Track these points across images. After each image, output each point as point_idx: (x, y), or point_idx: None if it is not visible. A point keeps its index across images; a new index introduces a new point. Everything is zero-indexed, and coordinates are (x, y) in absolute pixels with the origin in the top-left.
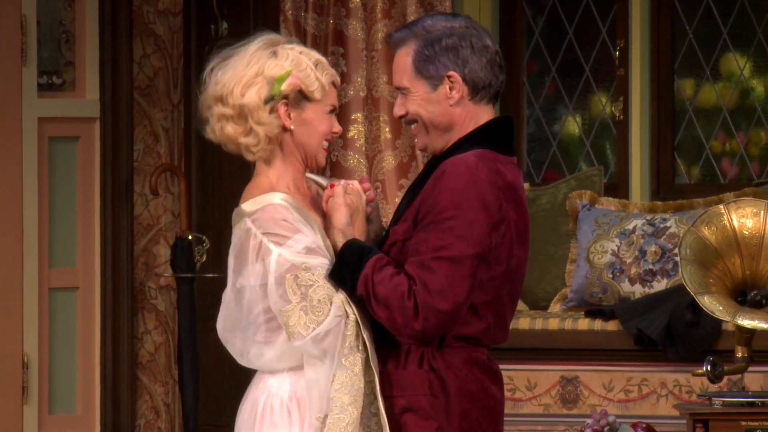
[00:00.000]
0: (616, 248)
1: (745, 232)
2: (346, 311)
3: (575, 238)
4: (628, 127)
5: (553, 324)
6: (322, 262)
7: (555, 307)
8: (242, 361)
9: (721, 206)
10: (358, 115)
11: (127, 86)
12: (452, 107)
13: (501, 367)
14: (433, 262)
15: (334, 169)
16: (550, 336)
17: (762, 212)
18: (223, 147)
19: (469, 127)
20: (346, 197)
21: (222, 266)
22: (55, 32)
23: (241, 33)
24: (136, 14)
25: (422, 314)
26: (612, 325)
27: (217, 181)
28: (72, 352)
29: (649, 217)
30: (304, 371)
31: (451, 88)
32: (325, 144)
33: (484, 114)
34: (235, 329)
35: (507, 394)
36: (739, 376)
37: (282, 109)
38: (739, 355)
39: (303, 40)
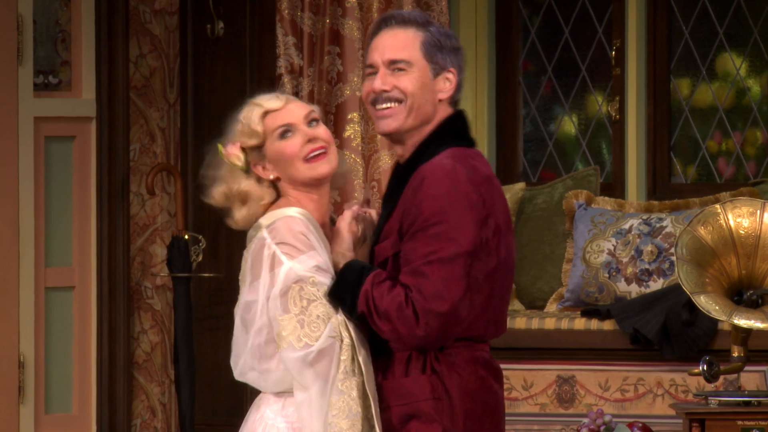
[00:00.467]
0: (612, 248)
1: (741, 231)
2: (340, 333)
3: (571, 237)
4: (624, 126)
5: (550, 323)
6: (328, 283)
7: (551, 306)
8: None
9: (718, 206)
10: (354, 115)
11: (123, 86)
12: (440, 102)
13: None
14: (426, 267)
15: None
16: (547, 335)
17: (758, 212)
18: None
19: (435, 125)
20: (353, 224)
21: (218, 266)
22: (52, 32)
23: (237, 32)
24: (133, 14)
25: (422, 320)
26: (608, 325)
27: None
28: (68, 352)
29: (645, 217)
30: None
31: (447, 83)
32: (306, 160)
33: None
34: (241, 354)
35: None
36: (735, 375)
37: (258, 169)
38: (735, 354)
39: (299, 39)
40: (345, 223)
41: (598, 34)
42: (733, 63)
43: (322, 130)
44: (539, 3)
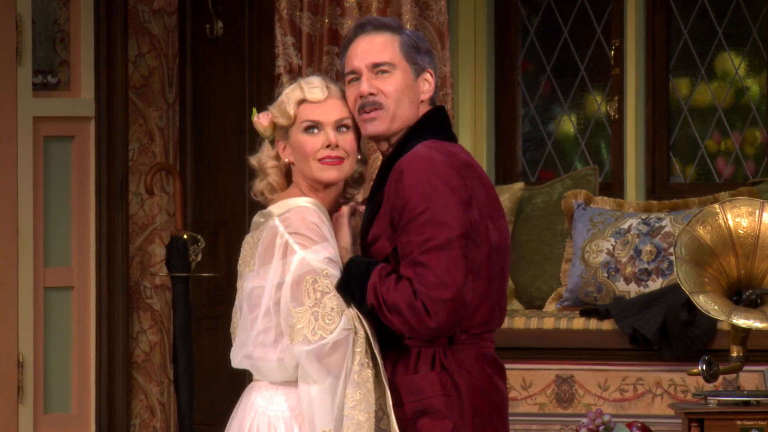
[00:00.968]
0: (611, 247)
1: (740, 231)
2: (355, 326)
3: (570, 237)
4: (623, 126)
5: (549, 323)
6: (338, 275)
7: (550, 306)
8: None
9: (716, 205)
10: None
11: (122, 85)
12: (422, 103)
13: None
14: (423, 256)
15: None
16: (546, 335)
17: (757, 211)
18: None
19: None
20: (352, 219)
21: (217, 265)
22: (50, 31)
23: (236, 32)
24: (131, 13)
25: (432, 310)
26: (607, 325)
27: (212, 180)
28: (67, 352)
29: (644, 217)
30: (297, 388)
31: (426, 84)
32: (320, 160)
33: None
34: (245, 341)
35: None
36: (734, 375)
37: (280, 145)
38: (734, 354)
39: (298, 39)
40: (344, 218)
41: (597, 34)
42: (732, 63)
43: (347, 139)
44: (538, 3)
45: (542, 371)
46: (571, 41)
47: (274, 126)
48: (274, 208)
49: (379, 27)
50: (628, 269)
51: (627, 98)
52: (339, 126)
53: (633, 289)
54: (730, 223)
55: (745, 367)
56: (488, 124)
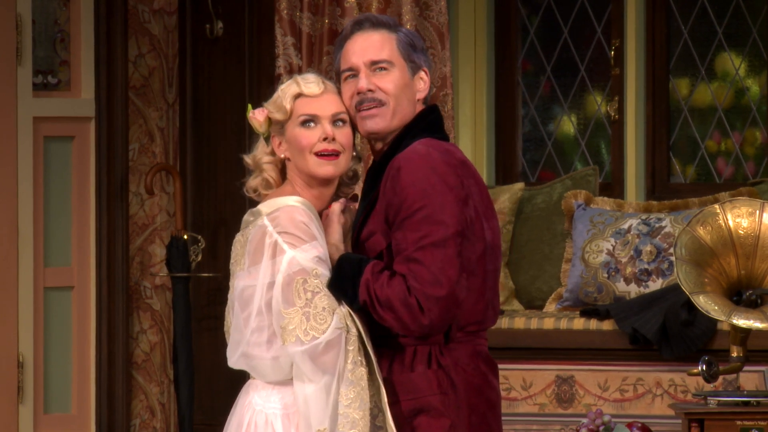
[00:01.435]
0: (611, 248)
1: (740, 231)
2: (347, 325)
3: (570, 237)
4: (623, 126)
5: (549, 323)
6: (328, 274)
7: (550, 306)
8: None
9: (717, 206)
10: None
11: (122, 86)
12: (417, 102)
13: None
14: (418, 253)
15: None
16: (546, 335)
17: (757, 212)
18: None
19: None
20: (341, 216)
21: (217, 265)
22: (50, 32)
23: (236, 32)
24: (131, 13)
25: (425, 306)
26: (607, 325)
27: (213, 180)
28: (67, 352)
29: (644, 217)
30: (292, 386)
31: (422, 82)
32: (317, 154)
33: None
34: (239, 341)
35: (503, 393)
36: (734, 375)
37: (275, 141)
38: (735, 354)
39: (298, 39)
40: (335, 215)
41: (597, 34)
42: (732, 63)
43: (343, 133)
44: (538, 3)
45: (542, 371)
46: (571, 41)
47: (270, 122)
48: (263, 207)
49: (377, 24)
50: (628, 269)
51: (627, 98)
52: (335, 120)
53: (633, 290)
54: (731, 223)
55: (745, 368)
56: (488, 125)
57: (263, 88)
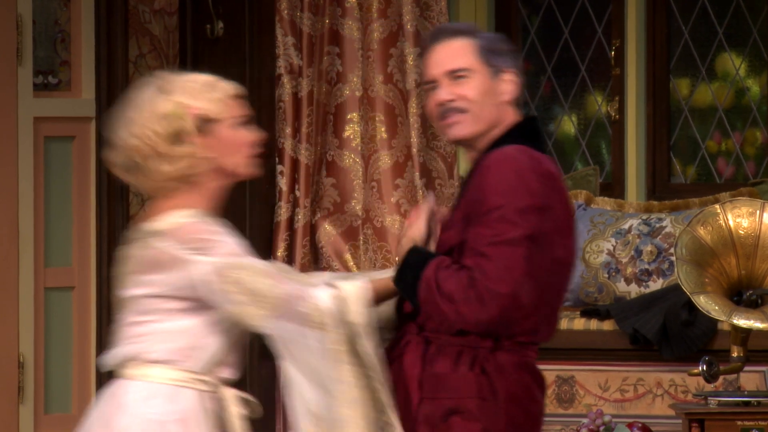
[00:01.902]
0: (611, 248)
1: (740, 231)
2: (325, 322)
3: None
4: (624, 126)
5: None
6: (252, 259)
7: None
8: None
9: (717, 206)
10: (353, 115)
11: (122, 86)
12: (503, 104)
13: None
14: (489, 248)
15: (329, 169)
16: None
17: (758, 212)
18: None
19: (505, 128)
20: (431, 220)
21: None
22: (51, 32)
23: (236, 33)
24: (132, 14)
25: (486, 299)
26: (608, 325)
27: None
28: (68, 352)
29: (644, 217)
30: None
31: (508, 84)
32: (248, 156)
33: (515, 119)
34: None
35: None
36: (734, 375)
37: (197, 139)
38: (735, 354)
39: (299, 39)
40: (424, 213)
41: (597, 34)
42: (733, 63)
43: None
44: (538, 3)
45: (543, 371)
46: (572, 41)
47: (198, 119)
48: (159, 224)
49: (454, 33)
50: (629, 270)
51: (627, 98)
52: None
53: (633, 290)
54: (731, 223)
55: (746, 368)
56: None
57: (264, 88)
